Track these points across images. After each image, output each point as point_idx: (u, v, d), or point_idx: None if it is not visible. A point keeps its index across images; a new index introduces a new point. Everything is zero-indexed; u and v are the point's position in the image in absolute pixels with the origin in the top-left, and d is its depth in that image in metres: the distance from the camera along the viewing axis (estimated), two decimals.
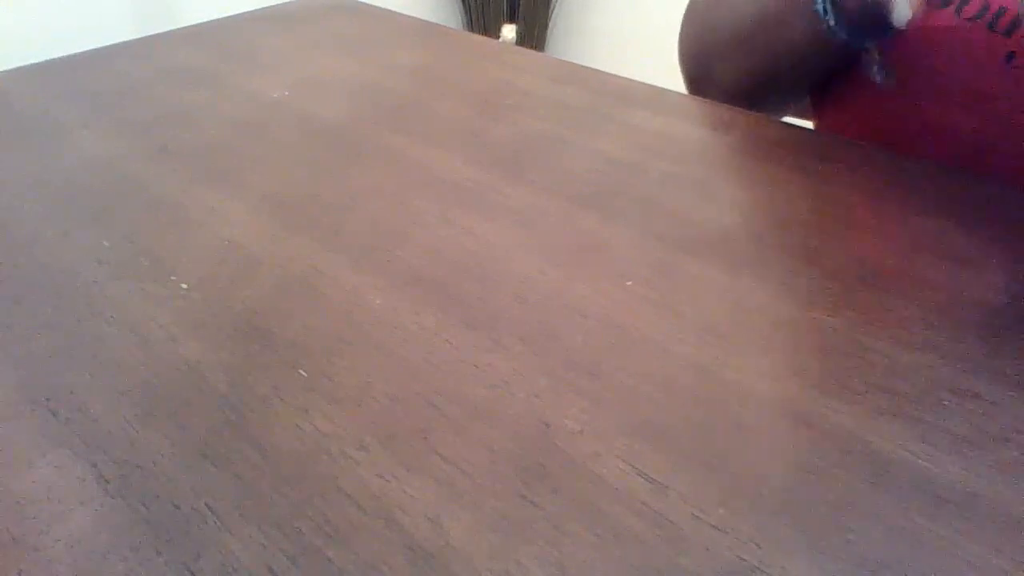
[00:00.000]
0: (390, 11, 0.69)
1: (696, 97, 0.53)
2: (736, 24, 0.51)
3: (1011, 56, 0.40)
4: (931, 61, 0.43)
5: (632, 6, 2.13)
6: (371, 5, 0.71)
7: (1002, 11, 0.40)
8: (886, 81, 0.45)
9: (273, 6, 0.71)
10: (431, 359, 0.29)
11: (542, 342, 0.29)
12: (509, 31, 2.16)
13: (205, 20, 0.67)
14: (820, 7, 0.43)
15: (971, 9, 0.41)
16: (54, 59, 0.58)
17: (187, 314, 0.31)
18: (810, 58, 0.49)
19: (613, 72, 0.54)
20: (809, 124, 0.57)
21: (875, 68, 0.44)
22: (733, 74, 0.53)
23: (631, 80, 0.53)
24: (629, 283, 0.33)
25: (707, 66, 0.55)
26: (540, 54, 0.60)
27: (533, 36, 2.19)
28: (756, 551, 0.22)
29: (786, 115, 0.64)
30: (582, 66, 0.56)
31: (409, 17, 0.68)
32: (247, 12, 0.69)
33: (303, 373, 0.28)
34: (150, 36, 0.63)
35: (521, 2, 2.13)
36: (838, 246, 0.35)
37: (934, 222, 0.36)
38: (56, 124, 0.48)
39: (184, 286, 0.33)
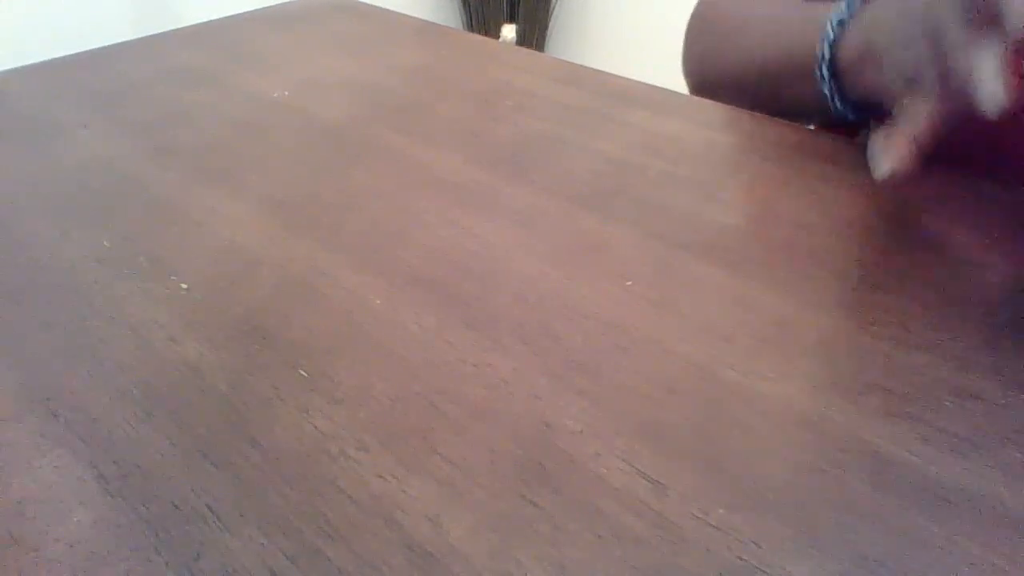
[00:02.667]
0: (390, 11, 0.69)
1: (696, 97, 0.53)
2: (742, 74, 0.51)
3: None
4: None
5: (632, 6, 2.13)
6: (371, 5, 0.71)
7: None
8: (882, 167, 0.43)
9: (273, 6, 0.71)
10: (431, 359, 0.29)
11: (542, 342, 0.29)
12: (509, 31, 2.16)
13: (205, 20, 0.67)
14: (826, 89, 0.42)
15: None
16: (54, 59, 0.58)
17: (187, 314, 0.31)
18: (813, 116, 0.49)
19: (613, 72, 0.54)
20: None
21: (874, 152, 0.42)
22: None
23: (631, 80, 0.53)
24: (629, 283, 0.33)
25: (712, 94, 0.55)
26: (540, 54, 0.60)
27: (533, 36, 2.19)
28: (756, 551, 0.22)
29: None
30: (582, 66, 0.56)
31: (409, 17, 0.68)
32: (247, 12, 0.69)
33: (303, 373, 0.28)
34: (150, 36, 0.63)
35: (521, 2, 2.13)
36: (838, 246, 0.35)
37: (934, 222, 0.36)
38: (56, 124, 0.48)
39: (184, 286, 0.33)
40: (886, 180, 0.34)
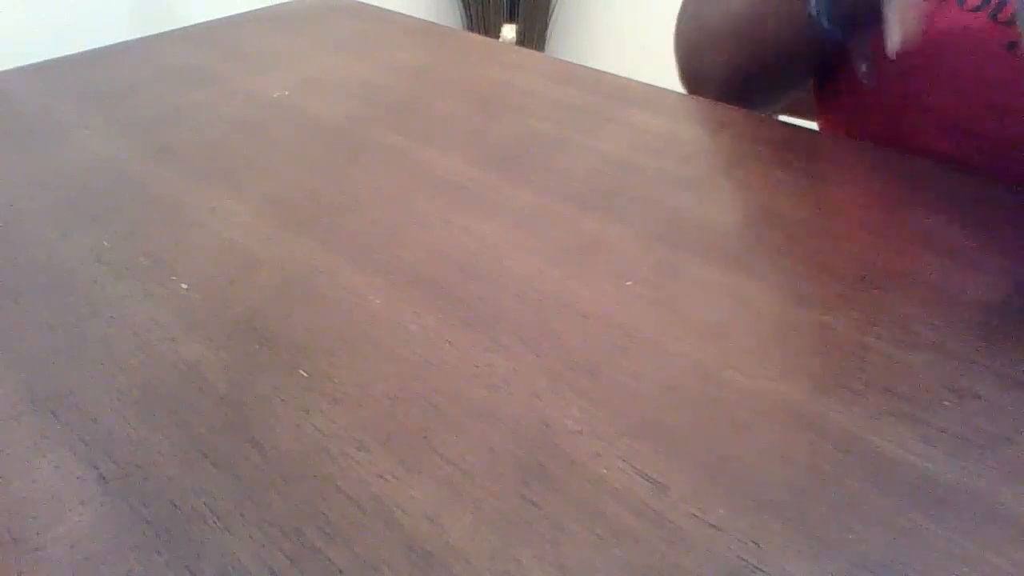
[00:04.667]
0: (390, 11, 0.69)
1: (695, 97, 0.53)
2: (727, 16, 0.52)
3: (1012, 45, 0.40)
4: (933, 53, 0.43)
5: (632, 6, 2.13)
6: (371, 5, 0.71)
7: (1003, 1, 0.40)
8: (870, 78, 0.45)
9: (273, 6, 0.71)
10: (431, 359, 0.29)
11: (542, 342, 0.29)
12: (509, 31, 2.17)
13: (205, 20, 0.67)
14: (812, 7, 0.43)
15: (973, 0, 0.41)
16: (54, 59, 0.58)
17: (187, 314, 0.31)
18: (798, 50, 0.49)
19: (613, 72, 0.54)
20: (809, 124, 0.57)
21: (862, 65, 0.43)
22: (724, 67, 0.53)
23: (631, 80, 0.53)
24: (629, 283, 0.33)
25: (700, 60, 0.55)
26: (540, 54, 0.60)
27: (533, 36, 2.19)
28: (756, 551, 0.22)
29: (779, 111, 0.64)
30: (582, 66, 0.56)
31: (409, 17, 0.68)
32: (247, 12, 0.69)
33: (303, 373, 0.28)
34: (150, 36, 0.63)
35: (521, 2, 2.13)
36: (838, 246, 0.35)
37: (934, 221, 0.36)
38: (56, 124, 0.48)
39: (184, 286, 0.33)
40: (900, 48, 0.35)
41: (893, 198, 0.39)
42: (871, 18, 0.41)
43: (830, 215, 0.37)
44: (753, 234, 0.36)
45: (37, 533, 0.23)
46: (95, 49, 0.60)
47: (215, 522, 0.23)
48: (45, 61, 0.58)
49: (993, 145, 0.43)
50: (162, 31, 0.64)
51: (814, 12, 0.43)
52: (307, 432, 0.26)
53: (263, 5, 0.71)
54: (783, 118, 0.56)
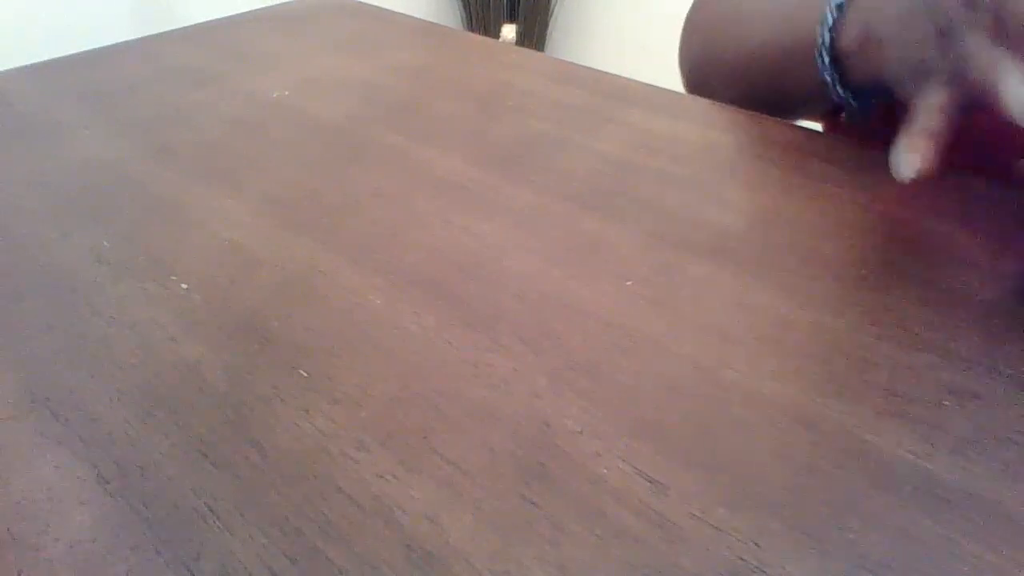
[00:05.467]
0: (390, 11, 0.69)
1: (696, 97, 0.53)
2: (740, 59, 0.50)
3: None
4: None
5: (632, 6, 2.13)
6: (371, 5, 0.71)
7: None
8: (853, 120, 0.43)
9: (273, 6, 0.71)
10: (431, 359, 0.29)
11: (542, 342, 0.29)
12: (509, 31, 2.17)
13: (205, 20, 0.67)
14: (826, 76, 0.41)
15: None
16: (54, 59, 0.58)
17: (187, 314, 0.31)
18: (811, 102, 0.48)
19: (613, 72, 0.54)
20: (809, 125, 0.57)
21: (896, 155, 0.40)
22: (733, 100, 0.52)
23: (631, 80, 0.53)
24: (629, 283, 0.33)
25: (708, 86, 0.55)
26: (540, 54, 0.60)
27: (533, 36, 2.19)
28: (756, 551, 0.22)
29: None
30: (582, 66, 0.56)
31: (409, 17, 0.68)
32: (247, 12, 0.69)
33: (303, 373, 0.28)
34: (150, 36, 0.63)
35: (521, 2, 2.13)
36: (838, 246, 0.35)
37: (934, 222, 0.36)
38: (56, 124, 0.48)
39: (184, 286, 0.33)
40: (912, 180, 0.34)
41: (893, 198, 0.38)
42: (885, 87, 0.39)
43: (830, 215, 0.37)
44: (753, 234, 0.36)
45: (37, 533, 0.23)
46: (95, 49, 0.60)
47: (215, 522, 0.23)
48: (45, 61, 0.58)
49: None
50: (162, 31, 0.64)
51: (828, 79, 0.41)
52: (307, 432, 0.26)
53: (263, 5, 0.70)
54: None
